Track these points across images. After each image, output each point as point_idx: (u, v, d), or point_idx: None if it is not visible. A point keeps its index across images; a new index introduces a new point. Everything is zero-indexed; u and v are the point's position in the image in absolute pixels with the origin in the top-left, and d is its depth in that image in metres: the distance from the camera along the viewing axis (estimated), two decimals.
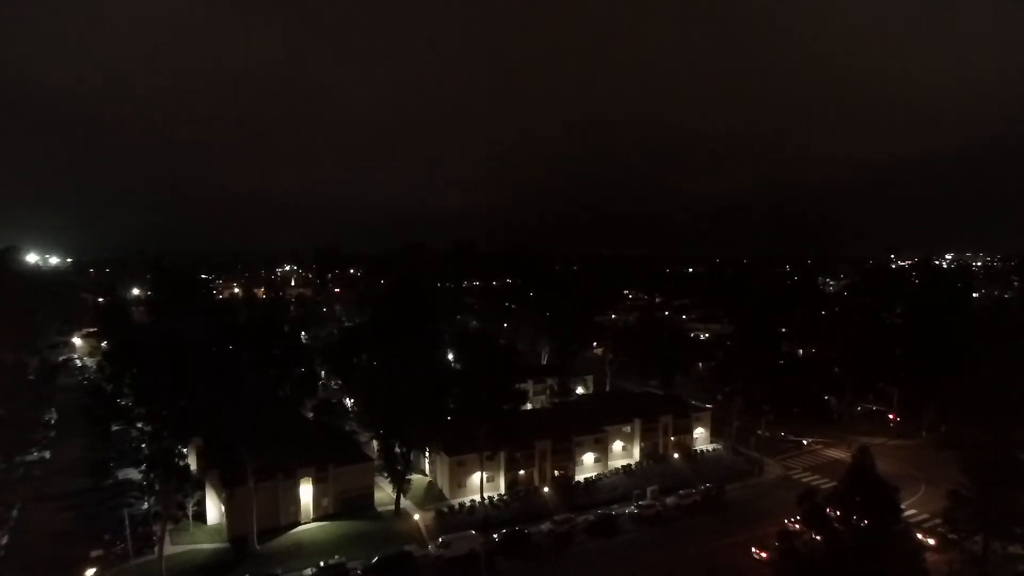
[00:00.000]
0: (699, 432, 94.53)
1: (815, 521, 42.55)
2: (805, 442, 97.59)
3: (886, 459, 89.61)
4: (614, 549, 63.96)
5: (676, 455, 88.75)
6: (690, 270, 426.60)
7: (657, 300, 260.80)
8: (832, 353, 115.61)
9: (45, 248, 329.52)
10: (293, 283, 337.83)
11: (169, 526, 61.51)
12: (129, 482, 70.86)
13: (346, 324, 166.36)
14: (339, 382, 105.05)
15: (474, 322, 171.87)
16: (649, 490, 75.61)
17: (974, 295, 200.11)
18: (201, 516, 68.29)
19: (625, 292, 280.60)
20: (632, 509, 71.65)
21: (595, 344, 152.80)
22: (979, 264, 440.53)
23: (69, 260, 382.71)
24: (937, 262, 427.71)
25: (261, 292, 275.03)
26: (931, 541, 61.26)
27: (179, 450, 66.18)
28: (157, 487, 59.24)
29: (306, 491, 68.61)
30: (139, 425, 68.75)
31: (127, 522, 62.01)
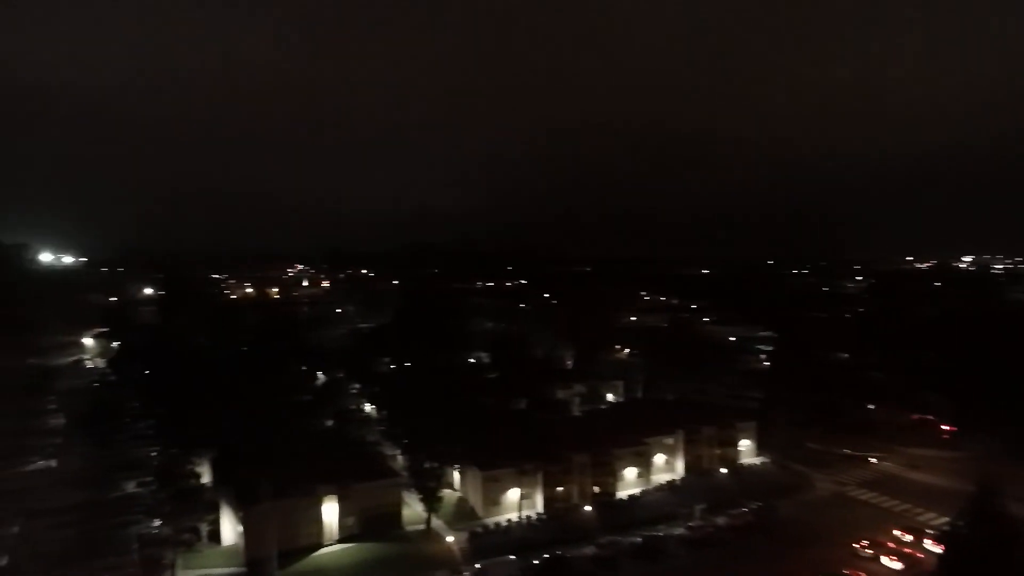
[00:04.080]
0: (744, 444, 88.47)
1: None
2: (854, 454, 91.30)
3: (938, 473, 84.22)
4: None
5: (722, 469, 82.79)
6: (700, 272, 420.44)
7: (674, 302, 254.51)
8: (869, 359, 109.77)
9: (59, 248, 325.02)
10: (305, 283, 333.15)
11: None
12: (136, 496, 65.48)
13: (360, 326, 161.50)
14: (357, 387, 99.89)
15: (488, 324, 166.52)
16: (698, 509, 69.86)
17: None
18: (216, 536, 62.95)
19: (642, 294, 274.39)
20: (681, 530, 66.00)
21: (619, 347, 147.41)
22: (1000, 267, 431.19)
23: (84, 259, 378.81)
24: (955, 264, 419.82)
25: (273, 292, 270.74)
26: None
27: (190, 464, 61.12)
28: (166, 508, 54.07)
29: (329, 510, 63.01)
30: (150, 435, 63.90)
31: (134, 543, 56.76)
